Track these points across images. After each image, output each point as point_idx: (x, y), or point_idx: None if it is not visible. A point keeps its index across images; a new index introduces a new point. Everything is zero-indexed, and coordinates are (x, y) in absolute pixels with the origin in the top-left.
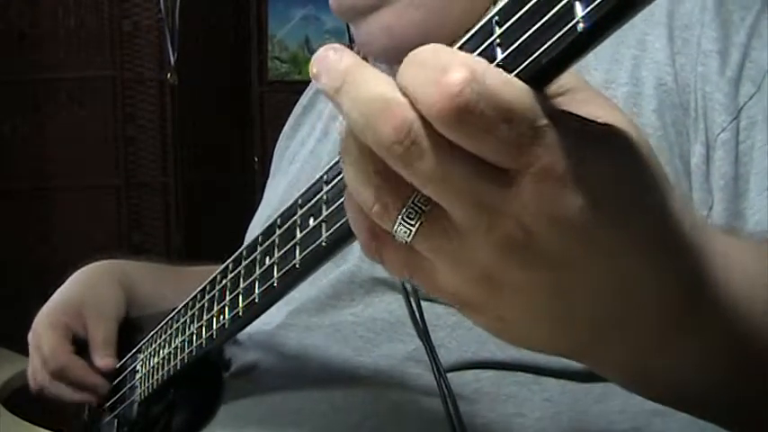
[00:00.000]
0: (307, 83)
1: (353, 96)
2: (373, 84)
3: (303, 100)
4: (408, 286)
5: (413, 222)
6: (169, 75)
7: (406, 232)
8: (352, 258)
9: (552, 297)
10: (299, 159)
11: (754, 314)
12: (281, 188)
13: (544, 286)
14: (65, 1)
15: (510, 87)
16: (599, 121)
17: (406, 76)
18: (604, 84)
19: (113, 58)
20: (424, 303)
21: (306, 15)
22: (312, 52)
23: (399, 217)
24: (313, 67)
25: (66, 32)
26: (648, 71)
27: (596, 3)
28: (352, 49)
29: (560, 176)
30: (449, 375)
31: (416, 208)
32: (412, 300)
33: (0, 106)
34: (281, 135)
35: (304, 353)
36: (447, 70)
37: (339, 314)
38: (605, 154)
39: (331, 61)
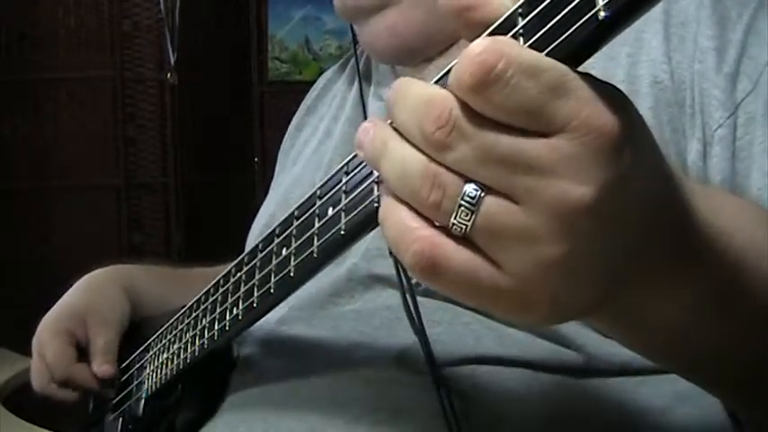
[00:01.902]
0: (307, 83)
1: (404, 105)
2: (417, 88)
3: (307, 101)
4: (405, 281)
5: (471, 209)
6: (169, 75)
7: (466, 219)
8: (351, 257)
9: (599, 256)
10: (302, 159)
11: (745, 260)
12: (284, 187)
13: (595, 246)
14: (65, 1)
15: (528, 51)
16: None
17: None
18: None
19: (113, 58)
20: (421, 299)
21: (306, 15)
22: (312, 52)
23: (462, 196)
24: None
25: (66, 32)
26: (644, 69)
27: None
28: (355, 49)
29: (602, 125)
30: (446, 371)
31: (474, 195)
32: (408, 295)
33: (0, 106)
34: (286, 135)
35: (304, 348)
36: (472, 48)
37: (339, 310)
38: (628, 108)
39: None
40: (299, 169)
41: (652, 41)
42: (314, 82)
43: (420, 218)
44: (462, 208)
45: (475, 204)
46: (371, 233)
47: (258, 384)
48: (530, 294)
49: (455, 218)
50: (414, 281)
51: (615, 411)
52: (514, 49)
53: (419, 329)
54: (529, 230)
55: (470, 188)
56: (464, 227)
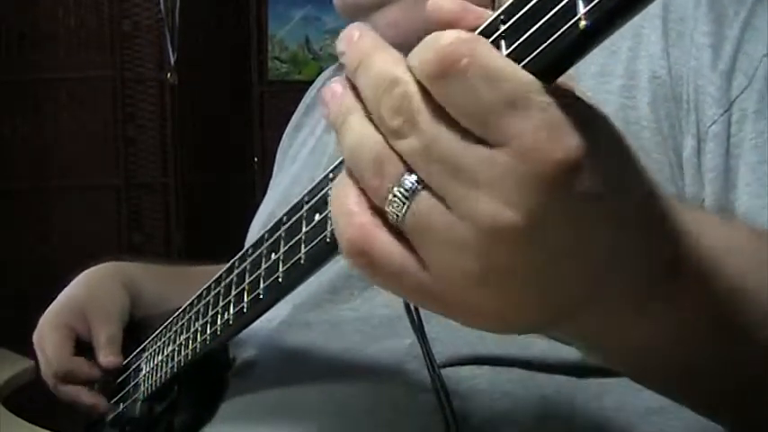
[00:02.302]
0: (307, 83)
1: (366, 74)
2: (383, 63)
3: (306, 100)
4: None
5: (404, 200)
6: (169, 75)
7: (400, 206)
8: None
9: (534, 277)
10: (301, 159)
11: (731, 282)
12: (283, 186)
13: (526, 269)
14: (65, 1)
15: (499, 57)
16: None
17: (412, 54)
18: (600, 76)
19: (113, 58)
20: None
21: (306, 15)
22: (312, 52)
23: (393, 191)
24: (339, 44)
25: (66, 32)
26: (643, 64)
27: (597, 0)
28: None
29: (550, 151)
30: (445, 370)
31: (409, 187)
32: None
33: (0, 106)
34: (284, 134)
35: (303, 349)
36: (442, 35)
37: (338, 309)
38: (596, 130)
39: (353, 40)
40: (297, 168)
41: (651, 36)
42: (314, 82)
43: (364, 200)
44: (397, 198)
45: (408, 197)
46: None
47: (257, 387)
48: (453, 299)
49: (389, 206)
50: None
51: (614, 412)
52: (484, 51)
53: (418, 328)
54: (454, 237)
55: (409, 180)
56: (396, 216)
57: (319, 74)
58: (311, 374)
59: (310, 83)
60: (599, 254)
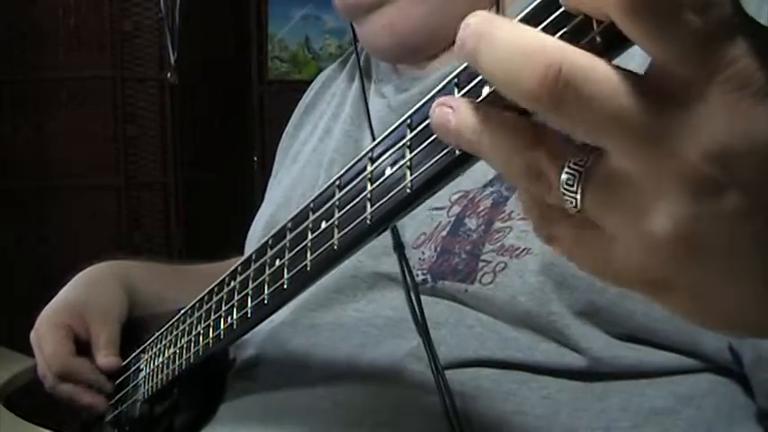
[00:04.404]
0: (307, 82)
1: (488, 53)
2: (509, 34)
3: (306, 98)
4: (410, 281)
5: (575, 187)
6: (169, 75)
7: (572, 200)
8: (356, 254)
9: (758, 238)
10: (302, 158)
11: None
12: (284, 186)
13: (753, 238)
14: (65, 1)
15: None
16: None
17: None
18: None
19: (113, 58)
20: (425, 299)
21: (306, 15)
22: (312, 52)
23: (561, 185)
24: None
25: (66, 32)
26: None
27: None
28: (356, 47)
29: (755, 82)
30: (449, 373)
31: (575, 169)
32: (412, 295)
33: (0, 106)
34: (284, 133)
35: (306, 350)
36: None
37: (342, 310)
38: None
39: (465, 25)
40: (299, 168)
41: None
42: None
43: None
44: (566, 191)
45: (576, 188)
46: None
47: (259, 387)
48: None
49: (563, 196)
50: (418, 279)
51: (619, 412)
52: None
53: (423, 330)
54: (647, 217)
55: (571, 167)
56: (574, 209)
57: (319, 73)
58: (314, 375)
59: (310, 83)
60: None
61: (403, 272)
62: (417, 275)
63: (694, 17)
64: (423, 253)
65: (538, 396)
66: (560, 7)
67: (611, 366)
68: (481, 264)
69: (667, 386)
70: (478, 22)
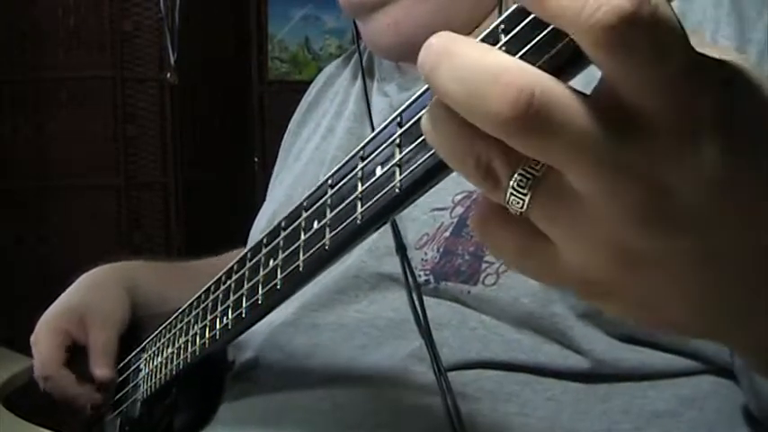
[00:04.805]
0: (307, 83)
1: (450, 71)
2: (475, 52)
3: (309, 96)
4: (412, 282)
5: (525, 191)
6: (169, 75)
7: (518, 202)
8: (358, 253)
9: (700, 268)
10: (304, 156)
11: None
12: (286, 184)
13: (690, 255)
14: (65, 1)
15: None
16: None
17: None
18: None
19: (113, 58)
20: (428, 301)
21: (306, 15)
22: (312, 52)
23: (511, 185)
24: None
25: (66, 32)
26: None
27: None
28: (358, 45)
29: (702, 119)
30: (451, 374)
31: (530, 173)
32: (415, 296)
33: (0, 106)
34: (287, 132)
35: (307, 351)
36: None
37: (344, 310)
38: (743, 91)
39: (427, 44)
40: (301, 166)
41: None
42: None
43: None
44: (515, 193)
45: (527, 191)
46: (357, 246)
47: (259, 388)
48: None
49: (509, 198)
50: (420, 280)
51: (621, 414)
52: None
53: (425, 331)
54: (592, 230)
55: (525, 171)
56: (519, 211)
57: (319, 73)
58: (315, 376)
59: (310, 83)
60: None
61: (405, 273)
62: (420, 276)
63: (671, 59)
64: (425, 254)
65: (541, 398)
66: (519, 25)
67: (613, 368)
68: (484, 265)
69: (669, 388)
70: (440, 42)
